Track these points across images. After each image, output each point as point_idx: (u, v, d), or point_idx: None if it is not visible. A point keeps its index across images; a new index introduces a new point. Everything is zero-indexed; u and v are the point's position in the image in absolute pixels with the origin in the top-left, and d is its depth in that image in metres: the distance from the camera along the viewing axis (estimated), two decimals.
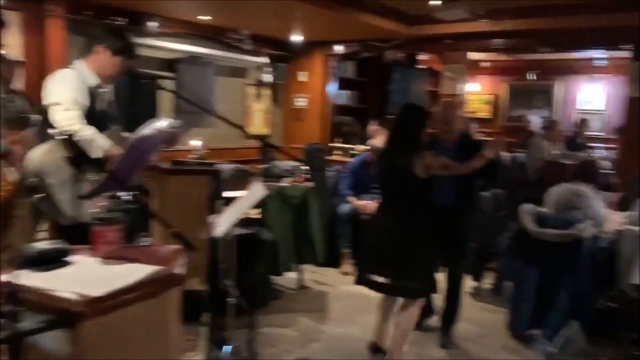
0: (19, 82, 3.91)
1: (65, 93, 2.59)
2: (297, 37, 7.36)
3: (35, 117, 2.82)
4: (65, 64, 3.21)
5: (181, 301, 2.54)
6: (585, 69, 9.62)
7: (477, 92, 10.85)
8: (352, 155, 7.04)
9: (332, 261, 5.26)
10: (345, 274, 5.20)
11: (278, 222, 4.37)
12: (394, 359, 3.26)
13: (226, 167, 5.24)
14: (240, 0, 5.36)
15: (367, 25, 6.16)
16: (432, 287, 3.26)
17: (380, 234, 3.21)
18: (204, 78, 6.73)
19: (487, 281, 4.77)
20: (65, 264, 1.44)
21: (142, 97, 5.70)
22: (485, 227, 4.69)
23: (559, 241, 3.56)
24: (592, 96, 9.76)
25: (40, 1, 5.00)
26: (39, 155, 2.56)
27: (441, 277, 3.47)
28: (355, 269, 3.40)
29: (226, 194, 4.30)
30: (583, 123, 8.29)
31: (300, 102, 8.10)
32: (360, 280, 3.32)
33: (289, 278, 4.74)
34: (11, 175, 2.45)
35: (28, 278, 1.28)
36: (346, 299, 4.57)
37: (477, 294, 4.72)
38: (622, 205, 4.37)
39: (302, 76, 8.05)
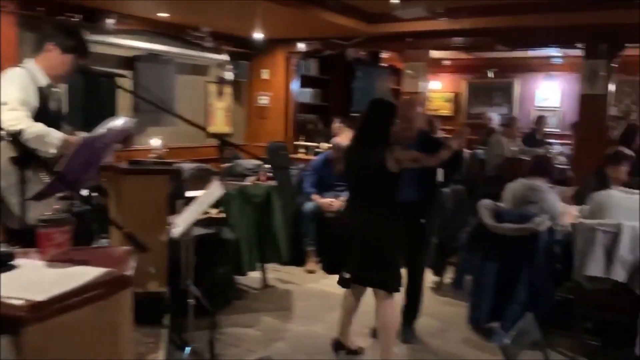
0: None
1: (12, 92, 2.49)
2: (258, 35, 7.32)
3: None
4: (16, 62, 3.11)
5: (135, 303, 2.49)
6: (543, 66, 9.88)
7: (438, 90, 11.02)
8: (316, 154, 7.05)
9: (297, 259, 5.25)
10: (310, 272, 5.20)
11: (241, 221, 4.34)
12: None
13: (187, 166, 5.18)
14: None
15: (328, 23, 6.16)
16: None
17: (353, 231, 3.18)
18: (164, 76, 6.62)
19: (449, 276, 4.84)
20: (10, 268, 1.39)
21: (99, 95, 5.57)
22: (446, 222, 4.75)
23: (517, 235, 3.64)
24: (550, 93, 10.03)
25: None
26: None
27: (403, 273, 3.50)
28: (336, 270, 3.34)
29: (188, 193, 4.26)
30: (540, 120, 8.50)
31: (263, 100, 8.06)
32: (330, 268, 3.38)
33: (253, 277, 4.71)
34: None
35: None
36: (311, 297, 4.57)
37: (438, 288, 4.79)
38: (577, 199, 4.49)
39: (264, 74, 8.01)
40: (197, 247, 3.34)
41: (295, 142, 7.89)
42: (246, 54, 7.84)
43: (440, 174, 4.58)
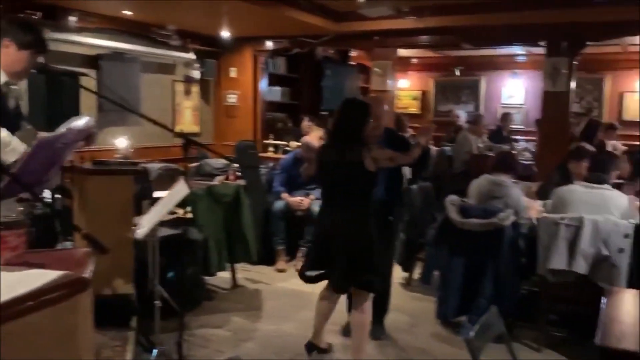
0: None
1: None
2: (225, 33, 7.26)
3: None
4: None
5: (101, 306, 2.44)
6: (508, 64, 10.07)
7: (406, 88, 11.12)
8: (286, 152, 7.04)
9: (267, 259, 5.23)
10: (280, 271, 5.19)
11: (209, 221, 4.29)
12: (360, 359, 3.22)
13: (154, 166, 5.11)
14: None
15: (296, 21, 6.15)
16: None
17: (333, 232, 3.13)
18: (130, 75, 6.51)
19: (418, 271, 4.89)
20: None
21: (62, 95, 5.44)
22: (414, 219, 4.80)
23: (482, 230, 3.69)
24: (515, 91, 10.23)
25: None
26: None
27: None
28: (312, 270, 3.28)
29: (156, 194, 4.20)
30: (506, 117, 8.65)
31: (231, 98, 8.01)
32: (316, 278, 3.25)
33: (223, 278, 4.67)
34: None
35: None
36: (281, 296, 4.56)
37: (407, 284, 4.83)
38: (541, 194, 4.59)
39: (232, 72, 7.96)
40: (164, 247, 3.29)
41: (265, 141, 7.85)
42: (213, 52, 7.77)
43: (407, 172, 4.63)
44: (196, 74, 7.55)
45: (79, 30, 5.84)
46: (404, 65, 10.37)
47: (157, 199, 3.33)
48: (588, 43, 6.04)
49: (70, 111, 5.05)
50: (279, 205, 5.32)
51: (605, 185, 3.73)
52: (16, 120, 2.64)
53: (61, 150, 2.14)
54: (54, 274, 1.24)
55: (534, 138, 8.12)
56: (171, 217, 4.10)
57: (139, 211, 3.75)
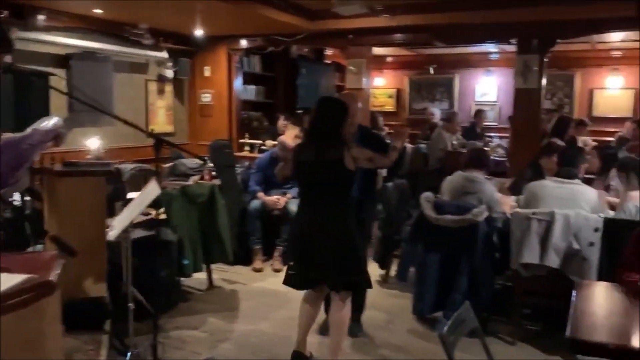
0: None
1: None
2: (199, 32, 7.20)
3: None
4: None
5: (73, 309, 2.39)
6: (481, 62, 10.19)
7: (381, 86, 11.18)
8: (262, 151, 7.01)
9: (243, 259, 5.21)
10: (257, 270, 5.17)
11: (184, 221, 4.25)
12: (338, 358, 3.19)
13: (127, 167, 5.04)
14: None
15: (269, 20, 6.12)
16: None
17: (314, 232, 3.09)
18: (101, 74, 6.40)
19: (394, 268, 4.91)
20: None
21: (31, 95, 5.32)
22: (390, 216, 4.83)
23: (457, 226, 3.73)
24: (488, 88, 10.36)
25: None
26: None
27: None
28: (291, 271, 3.24)
29: (129, 195, 4.14)
30: (479, 114, 8.77)
31: (206, 97, 7.94)
32: (297, 282, 3.20)
33: (199, 279, 4.63)
34: None
35: None
36: (257, 296, 4.54)
37: (384, 281, 4.86)
38: (513, 190, 4.66)
39: (206, 71, 7.89)
40: (137, 249, 3.25)
41: (240, 140, 7.81)
42: (187, 51, 7.69)
43: (383, 170, 4.65)
44: (169, 73, 7.47)
45: (48, 29, 5.73)
46: (379, 63, 10.42)
47: (131, 200, 3.29)
48: (558, 41, 6.14)
49: (40, 112, 4.94)
50: (255, 204, 5.30)
51: (576, 180, 3.80)
52: None
53: (28, 152, 2.09)
54: (18, 277, 1.21)
55: (507, 135, 8.23)
56: (145, 218, 4.06)
57: (112, 213, 3.70)
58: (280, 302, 4.27)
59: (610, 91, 9.42)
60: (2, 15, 5.01)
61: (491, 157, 6.74)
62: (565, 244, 3.48)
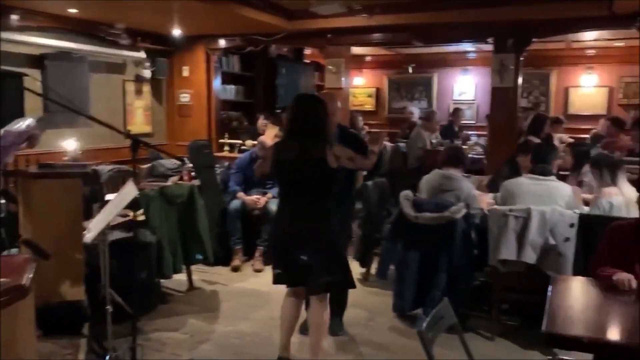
0: None
1: None
2: (177, 31, 7.14)
3: None
4: None
5: (51, 313, 2.36)
6: (459, 61, 10.30)
7: (361, 86, 11.22)
8: (241, 151, 6.99)
9: (224, 259, 5.18)
10: (235, 268, 5.15)
11: (163, 223, 4.21)
12: (318, 359, 3.18)
13: (105, 168, 4.98)
14: None
15: (247, 20, 6.10)
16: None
17: (291, 229, 3.07)
18: (77, 74, 6.31)
19: (375, 267, 4.94)
20: None
21: (5, 96, 5.24)
22: (370, 214, 4.86)
23: (435, 224, 3.76)
24: (466, 87, 10.46)
25: None
26: None
27: None
28: (276, 270, 3.19)
29: (107, 196, 4.10)
30: (456, 112, 8.86)
31: (184, 97, 7.87)
32: (280, 279, 3.18)
33: (179, 280, 4.60)
34: None
35: None
36: (238, 296, 4.52)
37: (365, 279, 4.88)
38: (491, 187, 4.72)
39: (185, 71, 7.82)
40: (116, 251, 3.22)
41: (220, 140, 7.77)
42: (165, 50, 7.62)
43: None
44: (147, 73, 7.39)
45: (22, 29, 5.63)
46: (358, 62, 10.46)
47: (108, 201, 3.25)
48: (534, 40, 6.22)
49: (14, 113, 4.87)
50: (235, 204, 5.28)
51: (551, 177, 3.86)
52: None
53: (0, 153, 2.06)
54: None
55: (485, 133, 8.33)
56: (123, 219, 4.01)
57: (90, 215, 3.66)
58: (261, 302, 4.26)
59: (585, 89, 9.58)
60: None
61: (469, 155, 6.83)
62: (541, 240, 3.54)
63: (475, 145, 7.89)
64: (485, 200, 4.24)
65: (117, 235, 3.65)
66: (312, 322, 3.22)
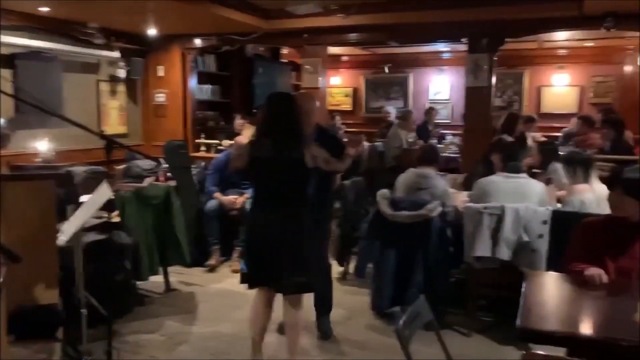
0: None
1: None
2: (152, 31, 7.06)
3: None
4: None
5: (24, 317, 2.31)
6: (434, 61, 10.41)
7: (338, 86, 11.25)
8: (218, 151, 6.95)
9: (202, 260, 5.15)
10: (211, 268, 5.12)
11: (138, 224, 4.17)
12: (295, 359, 3.18)
13: (79, 169, 4.90)
14: None
15: (224, 19, 6.07)
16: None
17: (265, 230, 3.04)
18: (50, 74, 6.20)
19: (352, 265, 4.96)
20: None
21: None
22: (348, 214, 4.88)
23: (412, 222, 3.79)
24: (441, 87, 10.57)
25: None
26: None
27: None
28: (245, 271, 3.20)
29: (82, 198, 4.03)
30: (429, 111, 8.95)
31: (160, 98, 7.80)
32: (253, 282, 3.15)
33: (155, 282, 4.55)
34: None
35: None
36: (216, 297, 4.50)
37: (342, 278, 4.90)
38: (466, 186, 4.77)
39: (160, 71, 7.75)
40: (91, 253, 3.18)
41: (196, 140, 7.71)
42: (140, 50, 7.54)
43: None
44: (122, 73, 7.30)
45: None
46: (335, 62, 10.49)
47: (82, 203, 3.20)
48: (507, 40, 6.32)
49: None
50: (212, 205, 5.25)
51: (522, 174, 3.93)
52: None
53: None
54: None
55: (460, 132, 8.42)
56: (98, 221, 3.96)
57: (64, 217, 3.60)
58: (238, 303, 4.24)
59: (557, 88, 9.76)
60: None
61: (445, 154, 6.91)
62: (515, 237, 3.60)
63: (450, 144, 7.97)
64: (461, 199, 4.29)
65: (92, 237, 3.60)
66: (286, 323, 3.22)
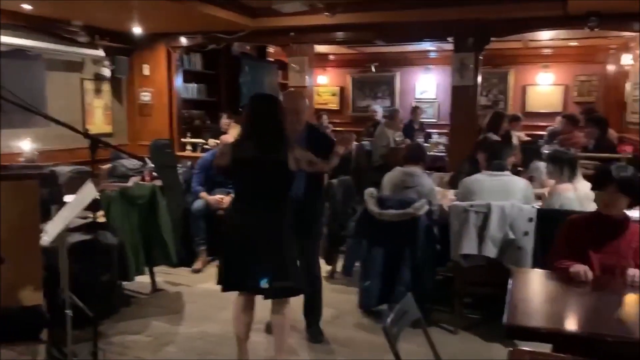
0: None
1: None
2: (137, 29, 7.00)
3: None
4: None
5: (7, 319, 2.28)
6: (420, 60, 10.44)
7: (325, 85, 11.25)
8: (204, 150, 6.91)
9: (188, 260, 5.12)
10: (196, 271, 5.09)
11: (124, 224, 4.13)
12: (283, 358, 3.16)
13: (63, 169, 4.85)
14: None
15: (210, 17, 6.04)
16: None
17: (251, 234, 3.00)
18: (33, 73, 6.12)
19: (340, 264, 4.96)
20: None
21: None
22: (335, 212, 4.88)
23: (399, 220, 3.80)
24: (428, 86, 10.61)
25: None
26: None
27: None
28: (223, 274, 3.12)
29: (67, 198, 3.99)
30: (415, 110, 8.98)
31: (145, 96, 7.73)
32: (226, 284, 3.10)
33: (142, 282, 4.52)
34: None
35: None
36: (202, 297, 4.47)
37: (330, 277, 4.90)
38: (453, 184, 4.80)
39: (145, 69, 7.68)
40: (76, 254, 3.14)
41: (182, 139, 7.67)
42: (125, 48, 7.47)
43: None
44: (107, 71, 7.23)
45: None
46: (322, 61, 10.49)
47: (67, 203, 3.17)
48: (492, 39, 6.36)
49: None
50: (198, 204, 5.22)
51: (506, 172, 3.96)
52: None
53: None
54: None
55: (446, 131, 8.46)
56: (83, 221, 3.92)
57: (48, 217, 3.55)
58: (224, 303, 4.19)
59: (542, 87, 9.85)
60: None
61: (431, 153, 6.94)
62: (501, 234, 3.62)
63: (437, 143, 8.01)
64: (448, 197, 4.31)
65: (77, 237, 3.57)
66: (273, 323, 3.21)
